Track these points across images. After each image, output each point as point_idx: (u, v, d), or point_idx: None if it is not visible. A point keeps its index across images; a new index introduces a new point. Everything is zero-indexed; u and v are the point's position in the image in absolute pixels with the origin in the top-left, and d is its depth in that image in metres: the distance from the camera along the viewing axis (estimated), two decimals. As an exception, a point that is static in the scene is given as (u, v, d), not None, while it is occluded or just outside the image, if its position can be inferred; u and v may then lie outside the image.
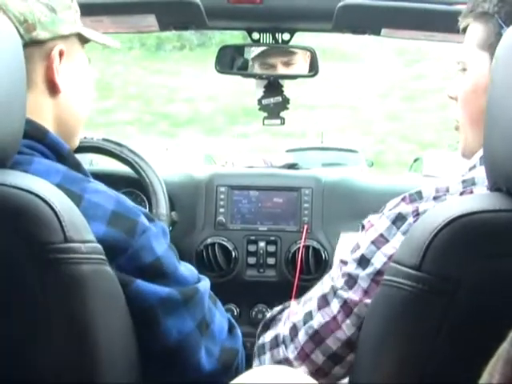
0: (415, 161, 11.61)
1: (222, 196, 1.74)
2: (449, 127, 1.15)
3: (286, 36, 1.69)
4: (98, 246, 0.84)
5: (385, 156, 16.74)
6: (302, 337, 0.99)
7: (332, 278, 0.98)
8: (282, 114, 1.79)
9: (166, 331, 0.94)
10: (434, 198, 0.89)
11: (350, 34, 1.68)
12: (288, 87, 1.79)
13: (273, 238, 1.72)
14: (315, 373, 0.99)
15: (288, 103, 1.78)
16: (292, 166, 1.92)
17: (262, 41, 1.70)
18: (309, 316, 0.99)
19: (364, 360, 0.89)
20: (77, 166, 0.98)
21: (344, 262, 0.96)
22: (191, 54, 22.09)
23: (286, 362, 1.02)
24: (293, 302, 1.09)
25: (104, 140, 1.58)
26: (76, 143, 1.10)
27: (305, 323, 0.99)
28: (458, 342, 0.77)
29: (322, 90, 19.08)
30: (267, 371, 0.97)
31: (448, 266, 0.74)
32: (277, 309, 1.14)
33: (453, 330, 0.76)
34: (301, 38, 1.78)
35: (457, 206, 0.77)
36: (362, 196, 1.74)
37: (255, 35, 1.70)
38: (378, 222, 0.92)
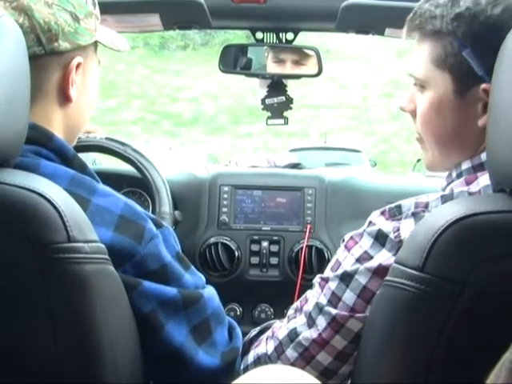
0: (418, 161, 11.58)
1: (226, 195, 1.74)
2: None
3: (290, 35, 1.69)
4: (102, 245, 0.84)
5: (388, 156, 16.70)
6: (290, 354, 0.98)
7: (314, 296, 0.97)
8: (286, 113, 1.79)
9: (169, 334, 0.94)
10: (413, 214, 0.89)
11: (353, 33, 1.68)
12: (291, 87, 1.79)
13: (276, 238, 1.72)
14: None
15: (291, 103, 1.78)
16: (295, 166, 1.92)
17: (265, 40, 1.70)
18: (294, 333, 0.98)
19: (366, 361, 0.89)
20: (83, 168, 0.97)
21: (325, 280, 0.96)
22: (195, 54, 22.07)
23: None
24: (276, 322, 1.09)
25: (107, 139, 1.58)
26: (74, 143, 1.10)
27: (292, 340, 0.98)
28: (462, 344, 0.76)
29: (325, 89, 19.05)
30: (271, 371, 0.96)
31: (451, 268, 0.74)
32: (256, 330, 1.13)
33: (456, 332, 0.76)
34: (305, 38, 1.78)
35: (460, 206, 0.77)
36: (366, 196, 1.74)
37: (259, 35, 1.70)
38: (361, 240, 0.92)
